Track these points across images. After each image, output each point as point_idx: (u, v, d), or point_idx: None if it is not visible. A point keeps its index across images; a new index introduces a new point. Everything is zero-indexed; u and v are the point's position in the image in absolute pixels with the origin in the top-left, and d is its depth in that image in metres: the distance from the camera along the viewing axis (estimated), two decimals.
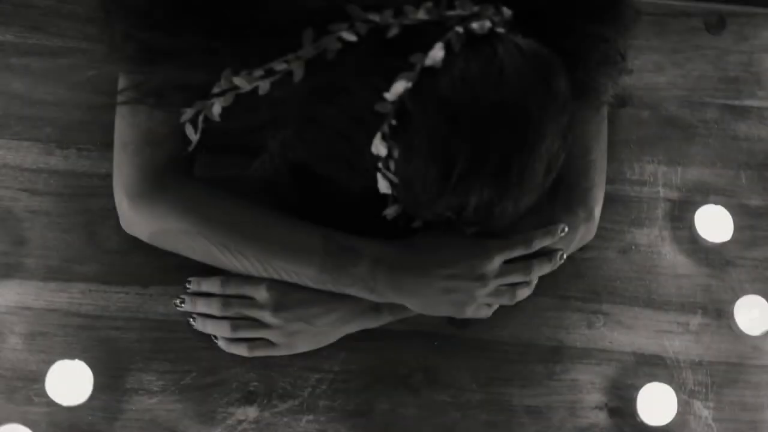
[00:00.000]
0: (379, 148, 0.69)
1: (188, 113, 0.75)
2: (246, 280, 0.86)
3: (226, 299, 0.86)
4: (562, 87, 0.70)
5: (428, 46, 0.67)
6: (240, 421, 0.90)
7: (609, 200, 0.96)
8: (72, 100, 0.96)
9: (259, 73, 0.70)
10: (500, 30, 0.69)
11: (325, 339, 0.89)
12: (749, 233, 1.01)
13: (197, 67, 0.72)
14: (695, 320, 0.98)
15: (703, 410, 0.95)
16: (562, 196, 0.88)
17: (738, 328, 0.97)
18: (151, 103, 0.77)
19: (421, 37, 0.67)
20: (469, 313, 0.85)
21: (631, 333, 0.97)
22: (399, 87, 0.67)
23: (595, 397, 0.95)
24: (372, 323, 0.90)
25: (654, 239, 1.00)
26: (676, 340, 0.97)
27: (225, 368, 0.91)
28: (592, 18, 0.76)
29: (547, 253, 0.87)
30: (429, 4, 0.68)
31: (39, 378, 0.88)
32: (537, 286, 0.89)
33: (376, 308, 0.88)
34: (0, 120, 0.95)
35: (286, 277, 0.84)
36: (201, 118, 0.75)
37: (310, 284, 0.84)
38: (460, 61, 0.67)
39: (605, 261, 0.99)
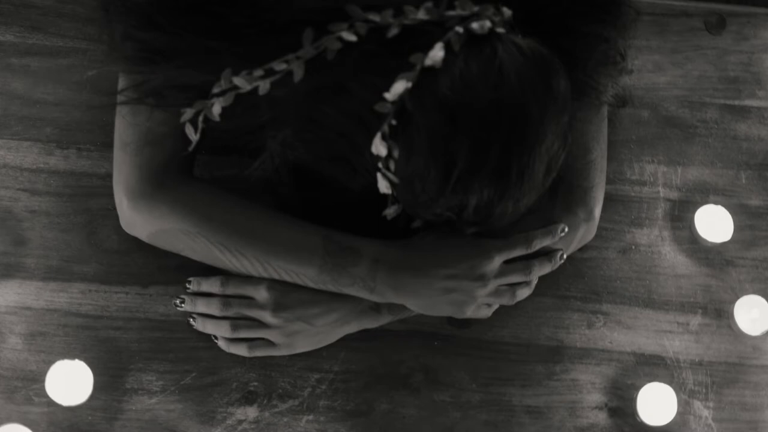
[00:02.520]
0: (379, 148, 0.69)
1: (188, 113, 0.75)
2: (246, 280, 0.86)
3: (226, 299, 0.86)
4: (562, 87, 0.70)
5: (428, 46, 0.67)
6: (240, 421, 0.90)
7: (609, 200, 0.96)
8: (72, 100, 0.96)
9: (259, 73, 0.70)
10: (500, 30, 0.69)
11: (325, 339, 0.89)
12: (749, 233, 1.01)
13: (197, 67, 0.72)
14: (695, 320, 0.98)
15: (703, 410, 0.95)
16: (562, 196, 0.88)
17: (738, 328, 0.97)
18: (151, 103, 0.77)
19: (421, 37, 0.67)
20: (469, 313, 0.85)
21: (631, 333, 0.97)
22: (399, 87, 0.67)
23: (595, 397, 0.95)
24: (372, 323, 0.90)
25: (654, 239, 1.00)
26: (676, 340, 0.97)
27: (225, 368, 0.91)
28: (591, 18, 0.76)
29: (547, 253, 0.87)
30: (429, 4, 0.68)
31: (39, 378, 0.88)
32: (537, 286, 0.89)
33: (376, 308, 0.88)
34: (0, 120, 0.95)
35: (286, 277, 0.84)
36: (201, 118, 0.75)
37: (310, 284, 0.84)
38: (459, 61, 0.66)
39: (605, 261, 0.99)
